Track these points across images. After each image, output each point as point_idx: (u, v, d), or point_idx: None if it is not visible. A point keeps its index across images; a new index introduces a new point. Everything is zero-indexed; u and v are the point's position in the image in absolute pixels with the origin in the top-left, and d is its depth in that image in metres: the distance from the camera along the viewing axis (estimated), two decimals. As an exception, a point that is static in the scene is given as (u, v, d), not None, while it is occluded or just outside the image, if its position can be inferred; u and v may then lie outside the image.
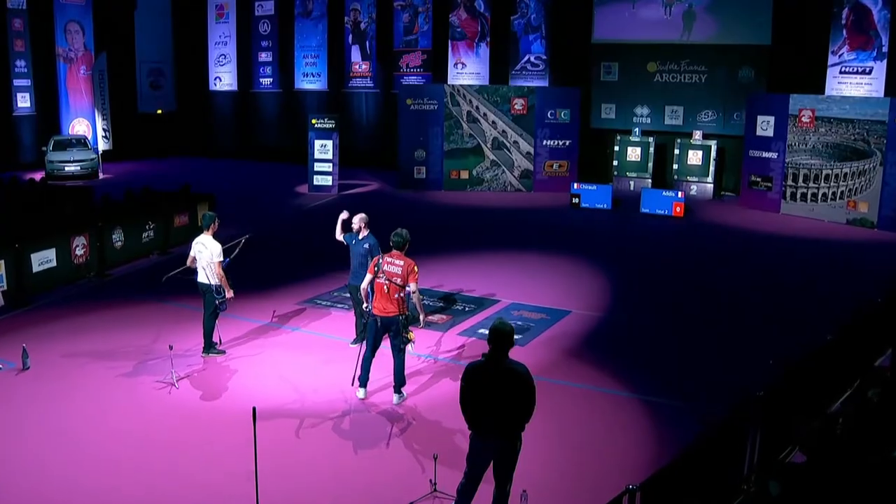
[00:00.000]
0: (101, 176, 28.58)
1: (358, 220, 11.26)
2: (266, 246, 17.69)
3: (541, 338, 12.12)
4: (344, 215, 11.82)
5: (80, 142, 29.31)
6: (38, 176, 27.51)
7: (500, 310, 13.55)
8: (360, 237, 11.22)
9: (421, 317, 10.09)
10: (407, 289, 9.63)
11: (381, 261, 9.63)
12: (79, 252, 14.89)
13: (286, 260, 16.91)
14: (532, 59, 28.47)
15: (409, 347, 9.88)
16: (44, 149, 28.47)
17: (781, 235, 19.78)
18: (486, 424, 6.62)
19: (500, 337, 6.60)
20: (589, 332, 12.53)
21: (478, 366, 6.72)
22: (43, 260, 14.08)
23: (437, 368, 10.95)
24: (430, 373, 10.79)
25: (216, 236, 11.11)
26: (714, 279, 15.80)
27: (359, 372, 9.95)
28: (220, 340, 11.43)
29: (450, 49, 29.70)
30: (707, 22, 25.22)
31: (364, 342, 9.91)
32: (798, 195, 21.92)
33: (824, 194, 21.43)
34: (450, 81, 28.99)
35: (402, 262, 9.55)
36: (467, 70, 29.61)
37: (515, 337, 12.24)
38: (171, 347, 10.19)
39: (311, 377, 10.60)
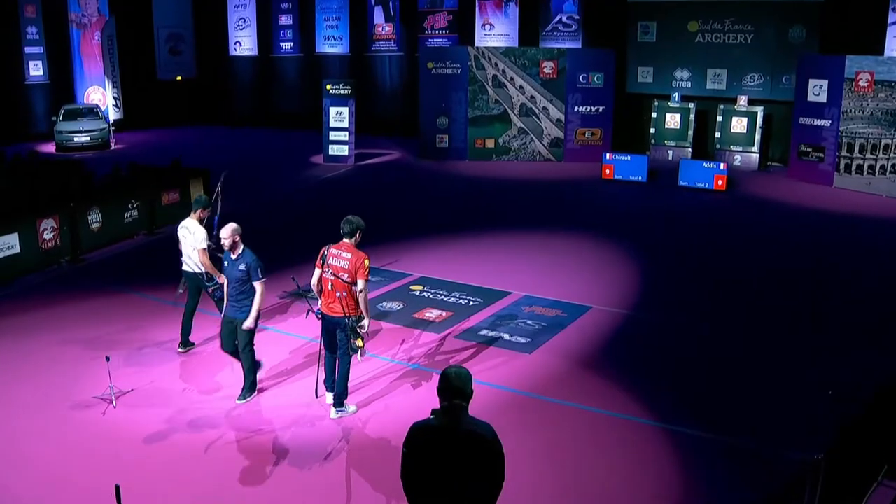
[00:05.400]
0: (112, 146, 27.41)
1: (230, 234, 8.57)
2: (261, 224, 16.20)
3: (552, 342, 10.46)
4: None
5: (92, 111, 28.11)
6: (50, 147, 26.58)
7: (511, 304, 11.93)
8: (235, 256, 8.61)
9: (366, 321, 8.39)
10: (354, 287, 8.20)
11: (326, 252, 8.30)
12: (47, 236, 13.54)
13: (280, 242, 15.28)
14: (564, 18, 26.60)
15: (356, 356, 8.51)
16: (54, 118, 27.39)
17: (835, 212, 17.87)
18: None
19: (455, 388, 4.85)
20: (610, 335, 10.81)
21: (426, 427, 4.93)
22: (3, 246, 12.73)
23: (422, 380, 9.37)
24: (410, 385, 9.21)
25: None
26: (759, 267, 13.98)
27: (322, 375, 8.81)
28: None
29: (477, 9, 28.06)
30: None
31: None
32: (853, 167, 19.92)
33: (882, 166, 19.44)
34: (477, 43, 27.29)
35: (349, 255, 8.16)
36: (495, 31, 27.86)
37: (521, 341, 10.91)
38: (108, 359, 8.72)
39: (268, 390, 9.13)
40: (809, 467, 5.44)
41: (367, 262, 8.15)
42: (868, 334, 10.80)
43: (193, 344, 10.29)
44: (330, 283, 8.23)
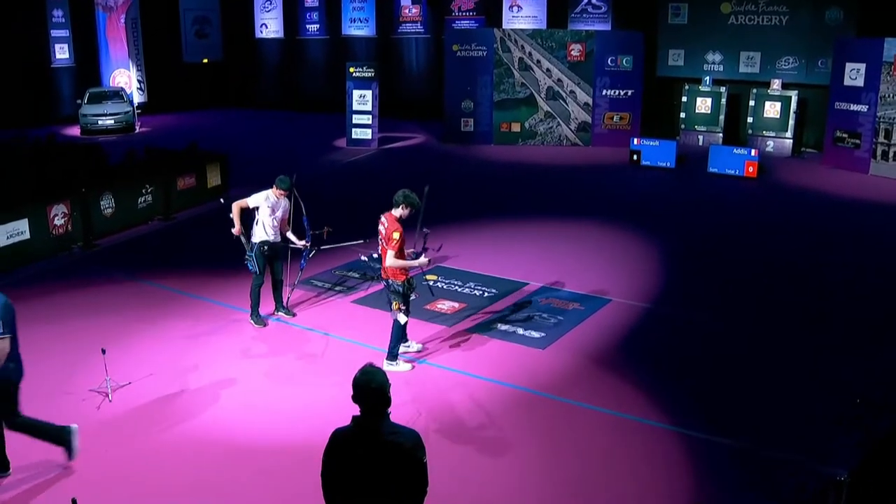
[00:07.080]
0: (137, 129, 27.32)
1: None
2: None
3: (567, 337, 10.03)
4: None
5: (117, 94, 28.02)
6: (75, 130, 26.56)
7: (528, 295, 11.54)
8: None
9: (419, 261, 8.94)
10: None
11: (381, 218, 8.96)
12: (58, 222, 13.34)
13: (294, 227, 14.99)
14: (593, 0, 25.96)
15: (399, 318, 8.94)
16: (78, 102, 27.35)
17: (871, 201, 17.18)
18: None
19: (369, 395, 4.48)
20: (628, 331, 10.33)
21: (345, 434, 4.59)
22: (12, 232, 12.55)
23: (427, 376, 9.02)
24: (415, 383, 8.86)
25: None
26: (789, 260, 13.36)
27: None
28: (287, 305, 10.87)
29: (505, -10, 27.49)
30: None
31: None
32: (891, 154, 19.21)
33: (922, 153, 18.74)
34: (504, 25, 26.80)
35: (387, 224, 8.82)
36: (523, 13, 27.35)
37: (535, 335, 10.49)
38: (103, 351, 8.45)
39: (273, 389, 8.83)
40: (832, 485, 5.03)
41: (395, 234, 8.64)
42: (874, 330, 10.29)
43: (289, 307, 10.80)
44: (380, 248, 9.02)
